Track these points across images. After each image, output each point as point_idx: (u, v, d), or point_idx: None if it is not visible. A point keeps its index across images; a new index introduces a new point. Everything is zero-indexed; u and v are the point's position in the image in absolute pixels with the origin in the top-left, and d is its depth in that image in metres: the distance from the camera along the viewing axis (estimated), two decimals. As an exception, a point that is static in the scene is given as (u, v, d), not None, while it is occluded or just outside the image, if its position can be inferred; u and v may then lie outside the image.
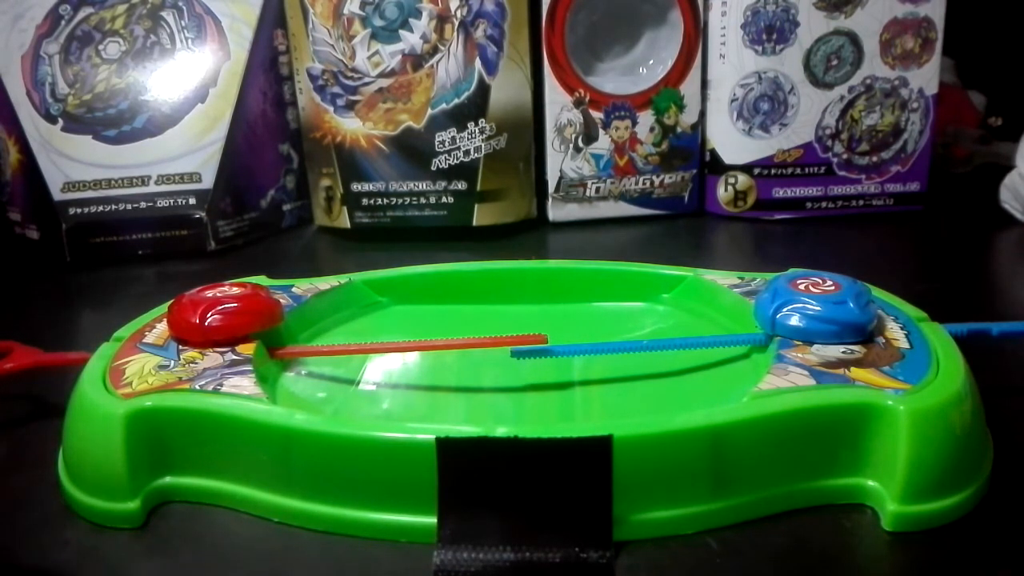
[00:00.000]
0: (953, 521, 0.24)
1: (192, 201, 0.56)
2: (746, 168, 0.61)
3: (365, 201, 0.58)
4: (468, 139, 0.57)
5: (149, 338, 0.31)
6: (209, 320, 0.30)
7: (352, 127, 0.57)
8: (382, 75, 0.56)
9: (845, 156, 0.61)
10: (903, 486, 0.24)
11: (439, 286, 0.40)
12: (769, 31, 0.58)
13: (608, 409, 0.30)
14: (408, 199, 0.58)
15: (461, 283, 0.40)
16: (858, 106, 0.60)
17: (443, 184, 0.57)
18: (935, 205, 0.62)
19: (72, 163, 0.56)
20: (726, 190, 0.62)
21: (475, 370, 0.32)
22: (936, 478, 0.24)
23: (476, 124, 0.57)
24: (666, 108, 0.61)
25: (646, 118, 0.60)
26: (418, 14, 0.55)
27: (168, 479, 0.26)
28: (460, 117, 0.56)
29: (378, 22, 0.55)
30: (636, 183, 0.62)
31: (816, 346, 0.28)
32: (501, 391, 0.31)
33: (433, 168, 0.57)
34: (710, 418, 0.24)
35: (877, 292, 0.33)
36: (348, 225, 0.59)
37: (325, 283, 0.38)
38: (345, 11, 0.55)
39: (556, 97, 0.59)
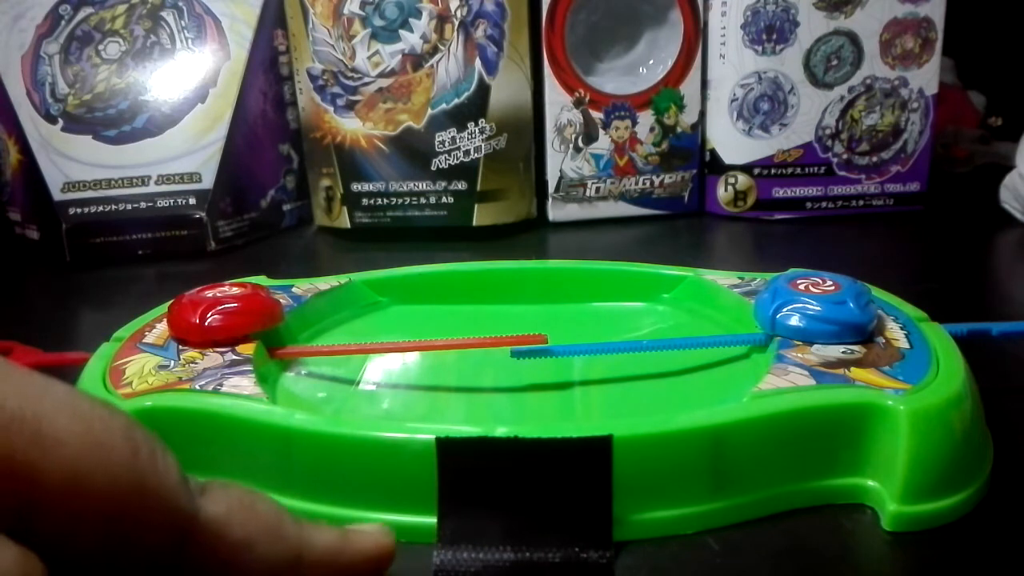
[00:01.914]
0: (953, 521, 0.24)
1: (192, 201, 0.56)
2: (746, 168, 0.61)
3: (365, 201, 0.58)
4: (468, 139, 0.57)
5: (149, 338, 0.31)
6: (209, 320, 0.30)
7: (352, 127, 0.57)
8: (382, 75, 0.56)
9: (845, 156, 0.61)
10: (903, 486, 0.24)
11: (439, 286, 0.40)
12: (769, 31, 0.58)
13: (608, 409, 0.30)
14: (408, 199, 0.58)
15: (461, 283, 0.40)
16: (858, 106, 0.60)
17: (443, 184, 0.57)
18: (935, 205, 0.62)
19: (72, 163, 0.56)
20: (726, 190, 0.62)
21: (475, 370, 0.32)
22: (936, 478, 0.24)
23: (476, 124, 0.57)
24: (666, 108, 0.61)
25: (646, 118, 0.60)
26: (418, 14, 0.55)
27: (168, 479, 0.26)
28: (460, 117, 0.56)
29: (378, 22, 0.55)
30: (636, 183, 0.62)
31: (816, 346, 0.28)
32: (501, 391, 0.31)
33: (433, 168, 0.57)
34: (710, 418, 0.24)
35: (877, 292, 0.33)
36: (348, 225, 0.59)
37: (325, 283, 0.38)
38: (345, 11, 0.55)
39: (556, 97, 0.59)
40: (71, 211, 0.55)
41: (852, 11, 0.58)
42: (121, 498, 0.15)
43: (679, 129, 0.61)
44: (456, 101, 0.56)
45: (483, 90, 0.56)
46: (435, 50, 0.55)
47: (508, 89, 0.57)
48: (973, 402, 0.26)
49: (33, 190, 0.56)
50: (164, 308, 0.33)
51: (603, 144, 0.60)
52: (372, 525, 0.21)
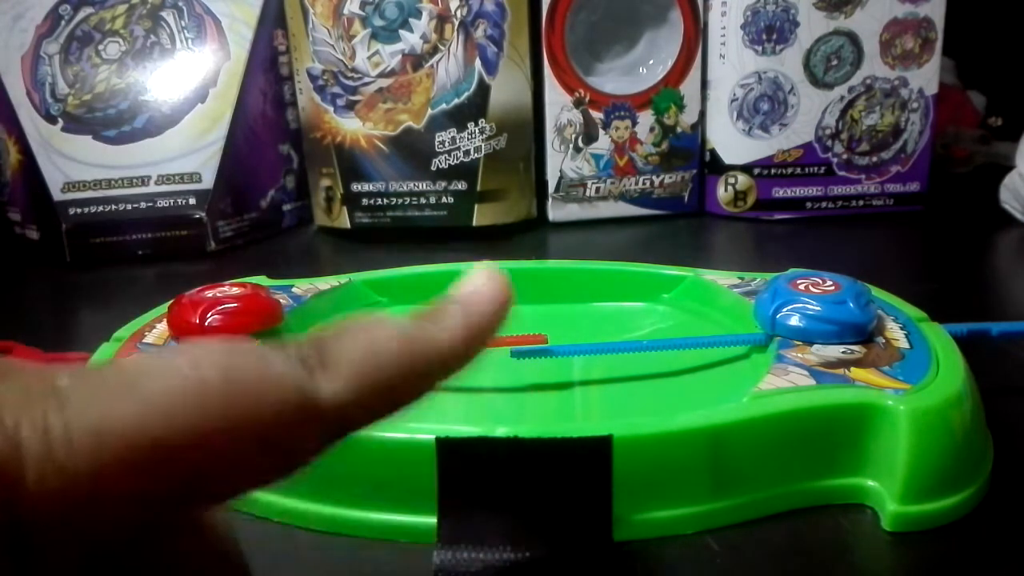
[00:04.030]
0: (953, 521, 0.24)
1: (192, 201, 0.56)
2: (746, 168, 0.61)
3: (365, 201, 0.58)
4: (468, 139, 0.57)
5: (149, 338, 0.31)
6: (209, 320, 0.30)
7: (352, 127, 0.57)
8: (382, 75, 0.56)
9: (845, 156, 0.61)
10: (903, 486, 0.24)
11: (439, 286, 0.40)
12: (769, 31, 0.58)
13: (608, 409, 0.30)
14: (408, 199, 0.58)
15: (461, 283, 0.40)
16: (858, 106, 0.60)
17: (443, 184, 0.57)
18: (935, 205, 0.62)
19: (72, 163, 0.56)
20: (726, 190, 0.62)
21: (475, 370, 0.32)
22: (936, 478, 0.24)
23: (476, 124, 0.56)
24: (666, 108, 0.61)
25: (646, 118, 0.60)
26: (418, 14, 0.55)
27: (168, 479, 0.26)
28: (460, 117, 0.56)
29: (378, 22, 0.55)
30: (636, 183, 0.62)
31: (816, 346, 0.28)
32: (501, 391, 0.31)
33: (433, 168, 0.57)
34: (710, 418, 0.24)
35: (877, 292, 0.33)
36: (348, 225, 0.59)
37: (325, 283, 0.38)
38: (345, 11, 0.55)
39: (556, 97, 0.59)
40: (71, 211, 0.55)
41: (852, 11, 0.58)
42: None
43: (679, 129, 0.61)
44: (456, 101, 0.56)
45: (483, 90, 0.56)
46: (435, 50, 0.55)
47: (508, 89, 0.57)
48: (973, 402, 0.26)
49: (33, 190, 0.56)
50: (164, 308, 0.33)
51: (603, 144, 0.60)
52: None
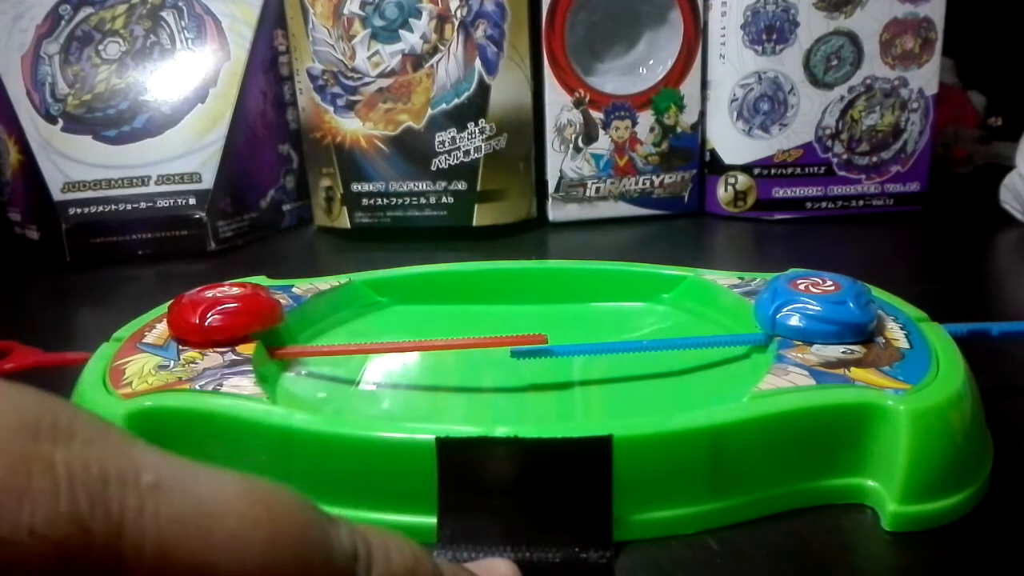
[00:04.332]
0: (953, 521, 0.24)
1: (192, 201, 0.56)
2: (746, 168, 0.61)
3: (365, 201, 0.58)
4: (468, 139, 0.57)
5: (149, 338, 0.31)
6: (209, 320, 0.30)
7: (352, 127, 0.57)
8: (382, 75, 0.56)
9: (845, 156, 0.61)
10: (903, 486, 0.24)
11: (439, 286, 0.40)
12: (769, 31, 0.58)
13: (608, 409, 0.30)
14: (408, 199, 0.58)
15: (461, 283, 0.40)
16: (858, 106, 0.60)
17: (443, 184, 0.57)
18: (935, 205, 0.62)
19: (72, 163, 0.56)
20: (726, 190, 0.62)
21: (475, 370, 0.32)
22: (936, 478, 0.24)
23: (476, 124, 0.56)
24: (666, 108, 0.61)
25: (646, 118, 0.60)
26: (418, 14, 0.55)
27: (168, 479, 0.26)
28: (460, 117, 0.56)
29: (378, 22, 0.55)
30: (636, 183, 0.62)
31: (816, 346, 0.28)
32: (501, 391, 0.31)
33: (433, 168, 0.57)
34: (710, 418, 0.24)
35: (877, 292, 0.33)
36: (348, 225, 0.59)
37: (325, 283, 0.38)
38: (345, 11, 0.55)
39: (556, 97, 0.59)
40: (71, 211, 0.55)
41: (852, 11, 0.58)
42: None
43: (679, 129, 0.61)
44: (456, 101, 0.56)
45: (483, 90, 0.56)
46: (435, 50, 0.55)
47: (508, 89, 0.57)
48: (973, 402, 0.26)
49: (33, 190, 0.56)
50: (164, 308, 0.33)
51: (603, 144, 0.60)
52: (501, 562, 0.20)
